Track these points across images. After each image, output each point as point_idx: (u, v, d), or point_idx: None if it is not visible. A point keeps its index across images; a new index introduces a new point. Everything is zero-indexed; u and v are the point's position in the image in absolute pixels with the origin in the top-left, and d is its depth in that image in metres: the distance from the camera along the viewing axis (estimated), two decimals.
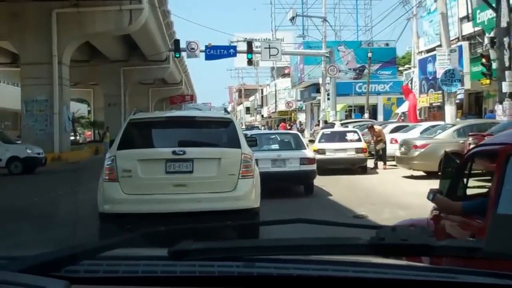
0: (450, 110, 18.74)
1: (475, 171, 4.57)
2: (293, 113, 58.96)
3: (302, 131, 43.04)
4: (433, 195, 3.80)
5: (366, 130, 20.19)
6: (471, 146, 10.79)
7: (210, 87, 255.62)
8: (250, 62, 35.97)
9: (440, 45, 19.74)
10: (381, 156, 18.46)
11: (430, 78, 30.08)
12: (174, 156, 7.08)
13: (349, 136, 17.51)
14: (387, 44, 46.78)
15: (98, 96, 47.76)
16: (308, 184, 12.86)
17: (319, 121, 48.14)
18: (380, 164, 18.39)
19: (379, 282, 1.27)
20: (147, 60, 39.03)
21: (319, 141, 17.42)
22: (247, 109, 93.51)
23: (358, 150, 16.74)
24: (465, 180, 3.88)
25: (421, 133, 18.40)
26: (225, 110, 9.62)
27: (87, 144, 40.57)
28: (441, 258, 1.71)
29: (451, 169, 4.23)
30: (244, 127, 53.41)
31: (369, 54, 40.10)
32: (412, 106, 30.06)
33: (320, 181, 14.74)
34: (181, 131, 7.79)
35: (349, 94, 41.80)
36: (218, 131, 7.89)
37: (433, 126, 18.64)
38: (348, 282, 1.28)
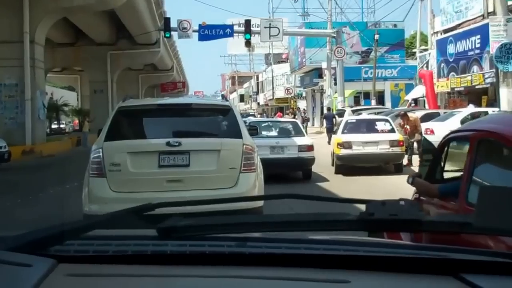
0: (506, 94, 15.28)
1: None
2: (292, 100, 55.67)
3: (307, 120, 39.69)
4: (412, 179, 3.95)
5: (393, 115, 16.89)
6: None
7: (202, 75, 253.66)
8: (248, 43, 33.21)
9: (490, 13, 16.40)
10: (414, 150, 15.20)
11: (451, 60, 27.24)
12: (168, 148, 6.50)
13: (379, 125, 14.08)
14: (395, 25, 43.69)
15: (85, 83, 45.55)
16: (306, 171, 13.05)
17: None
18: (415, 159, 15.10)
19: (371, 260, 1.25)
20: (136, 43, 36.66)
21: (343, 132, 14.10)
22: (241, 97, 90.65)
23: (393, 143, 13.34)
24: (442, 164, 3.95)
25: (461, 122, 15.29)
26: (223, 96, 8.97)
27: (68, 134, 37.57)
28: (431, 233, 1.73)
29: (429, 153, 4.17)
30: None
31: (376, 36, 37.04)
32: (431, 91, 27.13)
33: (344, 185, 11.87)
34: (176, 120, 7.16)
35: (357, 79, 38.70)
36: (217, 119, 7.36)
37: (475, 114, 15.59)
38: (339, 260, 1.25)
